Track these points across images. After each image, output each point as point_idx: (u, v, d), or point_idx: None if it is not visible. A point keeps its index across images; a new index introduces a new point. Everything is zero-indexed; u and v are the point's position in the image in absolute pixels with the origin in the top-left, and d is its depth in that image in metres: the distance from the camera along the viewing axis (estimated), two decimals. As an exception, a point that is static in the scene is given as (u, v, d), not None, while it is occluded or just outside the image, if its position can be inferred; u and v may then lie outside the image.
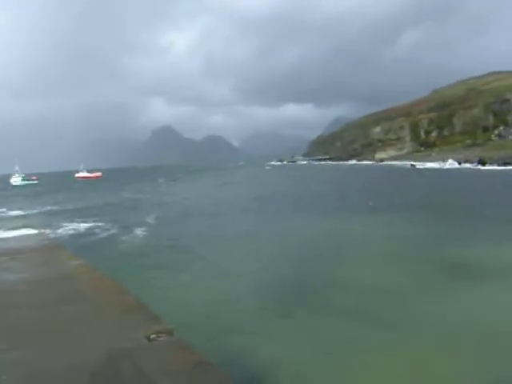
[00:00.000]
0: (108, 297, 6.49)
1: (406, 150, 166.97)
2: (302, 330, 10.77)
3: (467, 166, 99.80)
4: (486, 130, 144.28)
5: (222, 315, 11.91)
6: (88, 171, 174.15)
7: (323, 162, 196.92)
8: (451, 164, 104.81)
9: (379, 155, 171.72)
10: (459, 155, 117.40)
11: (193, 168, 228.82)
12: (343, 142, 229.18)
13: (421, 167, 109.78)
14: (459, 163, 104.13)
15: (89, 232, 28.50)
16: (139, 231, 27.60)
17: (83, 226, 31.12)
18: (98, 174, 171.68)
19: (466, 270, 15.55)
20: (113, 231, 28.27)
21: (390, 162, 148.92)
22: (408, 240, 21.40)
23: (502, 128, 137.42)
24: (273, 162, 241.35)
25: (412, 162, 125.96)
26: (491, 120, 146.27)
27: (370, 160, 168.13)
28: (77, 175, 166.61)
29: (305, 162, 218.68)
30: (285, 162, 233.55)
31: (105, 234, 27.30)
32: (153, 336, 4.67)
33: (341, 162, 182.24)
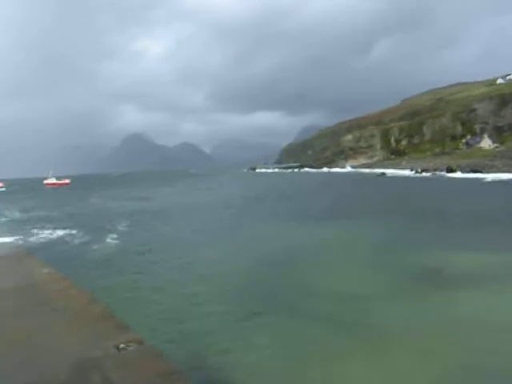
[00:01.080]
0: (76, 306, 6.33)
1: (376, 158, 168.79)
2: (272, 335, 10.80)
3: (434, 173, 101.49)
4: (454, 138, 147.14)
5: (191, 321, 11.89)
6: (57, 178, 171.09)
7: (295, 170, 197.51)
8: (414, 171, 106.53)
9: (350, 163, 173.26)
10: (429, 163, 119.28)
11: (164, 175, 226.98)
12: (314, 149, 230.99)
13: (391, 175, 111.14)
14: (426, 171, 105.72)
15: (59, 240, 27.68)
16: (110, 239, 27.07)
17: (53, 233, 30.21)
18: (67, 181, 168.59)
19: (433, 275, 15.79)
20: (83, 239, 27.59)
21: (361, 170, 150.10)
22: (376, 246, 21.68)
23: (469, 137, 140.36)
24: (244, 170, 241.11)
25: (382, 170, 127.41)
26: (459, 129, 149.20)
27: (341, 168, 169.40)
28: (45, 182, 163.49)
29: (276, 170, 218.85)
30: (256, 170, 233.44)
31: (75, 242, 26.61)
32: (122, 345, 4.55)
33: (312, 170, 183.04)
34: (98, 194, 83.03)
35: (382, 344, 10.07)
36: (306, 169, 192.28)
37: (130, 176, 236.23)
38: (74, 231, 30.80)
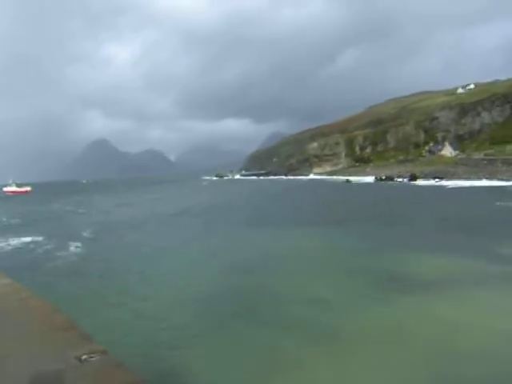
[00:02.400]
0: (36, 317, 5.76)
1: (341, 166, 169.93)
2: (236, 342, 10.72)
3: (398, 180, 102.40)
4: (417, 146, 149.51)
5: (156, 330, 11.74)
6: (17, 185, 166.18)
7: (261, 177, 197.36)
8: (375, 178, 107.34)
9: (315, 170, 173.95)
10: (392, 170, 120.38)
11: (126, 182, 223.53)
12: (280, 157, 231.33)
13: (356, 182, 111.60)
14: (389, 178, 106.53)
15: (21, 248, 27.32)
16: (73, 247, 26.59)
17: (15, 241, 29.62)
18: (28, 188, 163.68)
19: (397, 280, 15.92)
20: (47, 247, 27.13)
21: (325, 177, 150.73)
22: (342, 252, 21.72)
23: (431, 144, 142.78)
24: (209, 177, 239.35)
25: (347, 177, 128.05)
26: (422, 137, 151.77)
27: (306, 175, 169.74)
28: (5, 189, 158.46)
29: (242, 177, 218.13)
30: (222, 177, 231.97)
31: (39, 250, 26.12)
32: (84, 356, 4.23)
33: (277, 177, 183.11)
34: (61, 201, 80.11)
35: (345, 349, 10.13)
36: (272, 176, 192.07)
37: (93, 184, 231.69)
38: (36, 239, 29.97)
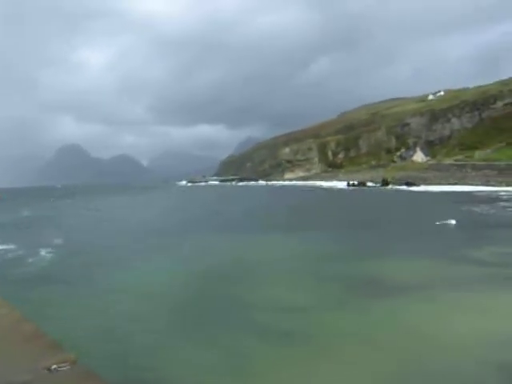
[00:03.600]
0: (2, 326, 5.71)
1: (314, 171, 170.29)
2: (209, 349, 10.54)
3: (370, 185, 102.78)
4: (389, 151, 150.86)
5: (126, 337, 11.46)
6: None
7: (233, 183, 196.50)
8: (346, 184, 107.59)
9: (288, 176, 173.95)
10: (365, 175, 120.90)
11: (99, 188, 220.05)
12: (253, 162, 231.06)
13: (328, 187, 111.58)
14: (362, 184, 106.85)
15: None
16: (44, 252, 25.39)
17: None
18: None
19: (370, 285, 15.93)
20: (16, 253, 25.76)
21: (298, 183, 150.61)
22: (314, 258, 21.56)
23: (403, 150, 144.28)
24: (182, 183, 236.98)
25: (320, 183, 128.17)
26: (393, 142, 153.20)
27: (278, 180, 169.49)
28: None
29: (215, 183, 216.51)
30: (195, 183, 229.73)
31: (6, 257, 24.68)
32: (54, 366, 4.25)
33: (251, 183, 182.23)
34: (31, 207, 76.96)
35: (318, 353, 10.13)
36: (245, 182, 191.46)
37: (64, 189, 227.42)
38: (5, 245, 28.40)
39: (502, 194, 60.45)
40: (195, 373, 9.48)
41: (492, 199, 52.79)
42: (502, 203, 45.89)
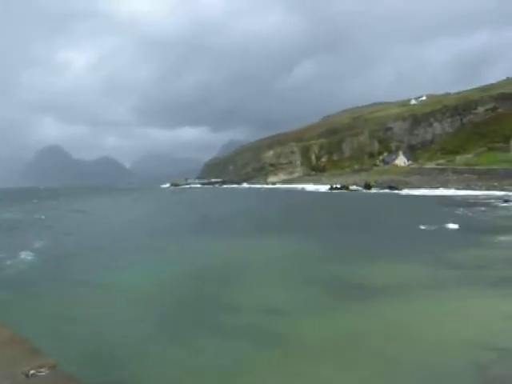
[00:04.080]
0: None
1: (297, 174, 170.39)
2: (198, 352, 10.52)
3: (352, 189, 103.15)
4: (371, 155, 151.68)
5: (107, 341, 11.24)
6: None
7: (216, 186, 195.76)
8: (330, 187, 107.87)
9: (271, 179, 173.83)
10: (347, 179, 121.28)
11: (82, 190, 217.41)
12: (236, 165, 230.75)
13: (311, 190, 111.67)
14: (344, 187, 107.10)
15: None
16: (24, 255, 24.36)
17: None
18: None
19: (354, 287, 15.97)
20: None
21: (281, 186, 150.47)
22: (299, 260, 21.58)
23: (385, 154, 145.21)
24: (166, 185, 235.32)
25: (302, 186, 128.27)
26: (376, 146, 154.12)
27: (261, 183, 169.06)
28: None
29: (198, 185, 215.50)
30: (178, 186, 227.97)
31: None
32: (32, 371, 4.20)
33: (233, 186, 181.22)
34: (11, 208, 75.68)
35: (302, 356, 10.12)
36: (227, 185, 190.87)
37: (46, 191, 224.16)
38: None
39: (482, 197, 60.89)
40: (179, 376, 9.42)
41: (471, 203, 53.12)
42: (482, 208, 46.14)
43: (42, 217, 52.33)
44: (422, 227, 30.90)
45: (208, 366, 9.77)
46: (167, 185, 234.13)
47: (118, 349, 10.80)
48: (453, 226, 30.74)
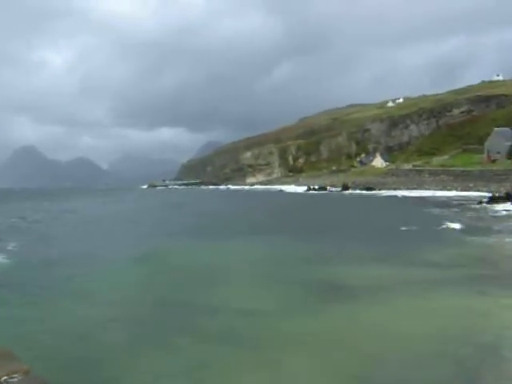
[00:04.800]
0: None
1: (275, 175, 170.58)
2: (172, 356, 10.37)
3: (330, 190, 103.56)
4: (349, 157, 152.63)
5: (82, 347, 11.05)
6: None
7: (194, 187, 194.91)
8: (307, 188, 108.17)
9: (249, 180, 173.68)
10: (325, 180, 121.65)
11: (59, 192, 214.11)
12: (214, 166, 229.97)
13: (288, 191, 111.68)
14: (322, 188, 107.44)
15: None
16: None
17: None
18: None
19: (331, 288, 16.02)
20: None
21: (259, 187, 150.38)
22: (276, 262, 21.46)
23: (363, 155, 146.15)
24: (143, 186, 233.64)
25: (280, 187, 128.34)
26: (354, 148, 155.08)
27: (240, 185, 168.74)
28: None
29: (175, 187, 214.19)
30: (155, 187, 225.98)
31: None
32: (4, 378, 4.17)
33: (211, 187, 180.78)
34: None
35: (280, 357, 10.07)
36: (205, 186, 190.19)
37: (21, 193, 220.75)
38: None
39: (458, 198, 61.39)
40: (153, 379, 9.35)
41: (447, 204, 53.53)
42: (456, 209, 46.39)
43: (19, 219, 51.11)
44: (403, 228, 31.06)
45: (182, 372, 9.63)
46: (145, 186, 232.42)
47: (92, 353, 10.63)
48: (431, 226, 30.96)
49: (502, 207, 43.41)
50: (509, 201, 46.25)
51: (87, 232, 37.27)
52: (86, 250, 26.82)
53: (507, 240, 24.80)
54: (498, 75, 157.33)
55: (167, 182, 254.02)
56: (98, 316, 13.66)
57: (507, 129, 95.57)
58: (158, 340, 11.44)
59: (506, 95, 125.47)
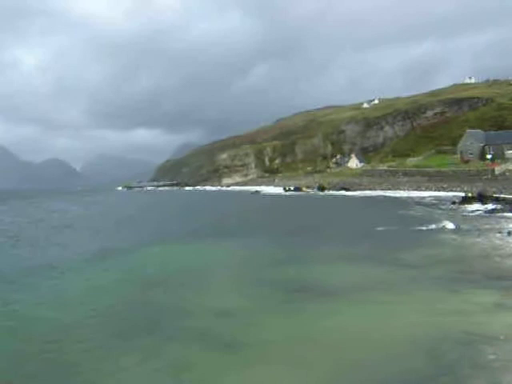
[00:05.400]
0: None
1: (251, 176, 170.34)
2: (143, 359, 10.29)
3: (306, 191, 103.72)
4: (324, 158, 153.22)
5: (57, 352, 10.88)
6: None
7: (168, 188, 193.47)
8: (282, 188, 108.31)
9: (225, 181, 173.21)
10: (301, 181, 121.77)
11: (32, 194, 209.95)
12: (190, 167, 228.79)
13: (265, 193, 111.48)
14: (298, 189, 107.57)
15: None
16: None
17: None
18: None
19: (308, 288, 16.05)
20: None
21: (235, 188, 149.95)
22: (253, 263, 21.61)
23: (338, 156, 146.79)
24: (119, 188, 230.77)
25: (257, 188, 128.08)
26: (329, 149, 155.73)
27: (216, 186, 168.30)
28: None
29: (151, 188, 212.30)
30: (131, 188, 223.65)
31: None
32: None
33: (187, 188, 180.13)
34: None
35: (259, 358, 10.23)
36: (180, 187, 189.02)
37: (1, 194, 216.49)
38: None
39: (431, 198, 61.91)
40: (132, 381, 9.38)
41: (421, 203, 53.94)
42: (428, 209, 46.72)
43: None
44: (379, 228, 31.24)
45: (162, 374, 9.59)
46: (120, 187, 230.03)
47: (67, 358, 10.54)
48: (405, 226, 31.40)
49: (473, 207, 43.94)
50: (480, 201, 46.74)
51: (64, 235, 36.09)
52: (63, 253, 26.04)
53: (477, 240, 25.05)
54: (470, 78, 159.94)
55: (143, 183, 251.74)
56: (75, 319, 13.45)
57: (479, 130, 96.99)
58: (133, 344, 11.32)
59: (478, 97, 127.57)
